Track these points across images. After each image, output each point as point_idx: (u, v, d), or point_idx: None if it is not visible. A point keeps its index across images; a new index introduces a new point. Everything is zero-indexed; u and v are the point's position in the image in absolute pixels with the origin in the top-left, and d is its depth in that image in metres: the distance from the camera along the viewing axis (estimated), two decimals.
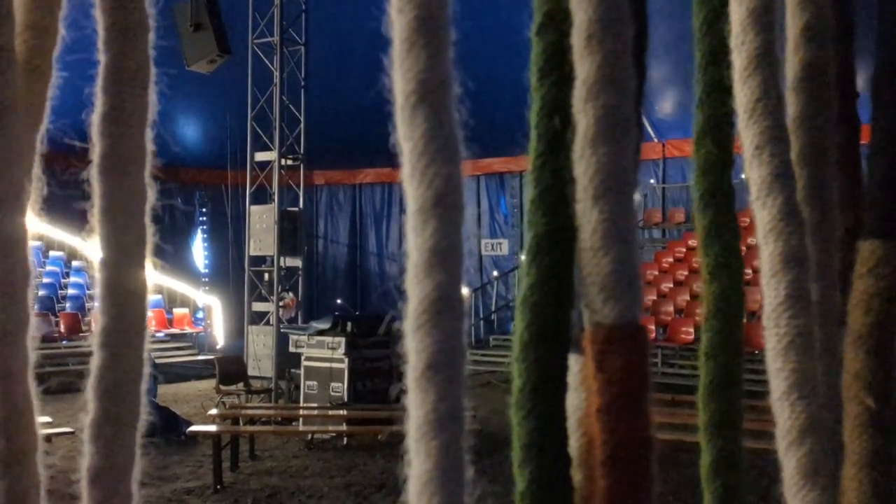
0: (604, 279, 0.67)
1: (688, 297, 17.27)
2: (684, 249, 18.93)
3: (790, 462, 0.83)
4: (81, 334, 17.83)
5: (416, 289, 0.62)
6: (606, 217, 0.66)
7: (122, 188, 0.75)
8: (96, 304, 0.76)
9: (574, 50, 0.67)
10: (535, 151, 0.69)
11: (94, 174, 0.75)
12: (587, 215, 0.67)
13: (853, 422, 0.79)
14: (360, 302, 24.17)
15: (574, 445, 0.70)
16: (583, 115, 0.66)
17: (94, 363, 0.76)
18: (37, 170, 0.78)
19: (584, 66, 0.66)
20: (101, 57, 0.75)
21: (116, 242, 0.74)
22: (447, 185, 0.62)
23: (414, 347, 0.62)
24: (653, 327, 16.47)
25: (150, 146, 0.76)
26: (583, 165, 0.66)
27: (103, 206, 0.74)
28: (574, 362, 0.71)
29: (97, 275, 0.74)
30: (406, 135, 0.62)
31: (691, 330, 16.01)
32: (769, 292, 0.83)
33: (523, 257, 0.70)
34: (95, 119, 0.75)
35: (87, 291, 19.83)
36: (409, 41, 0.61)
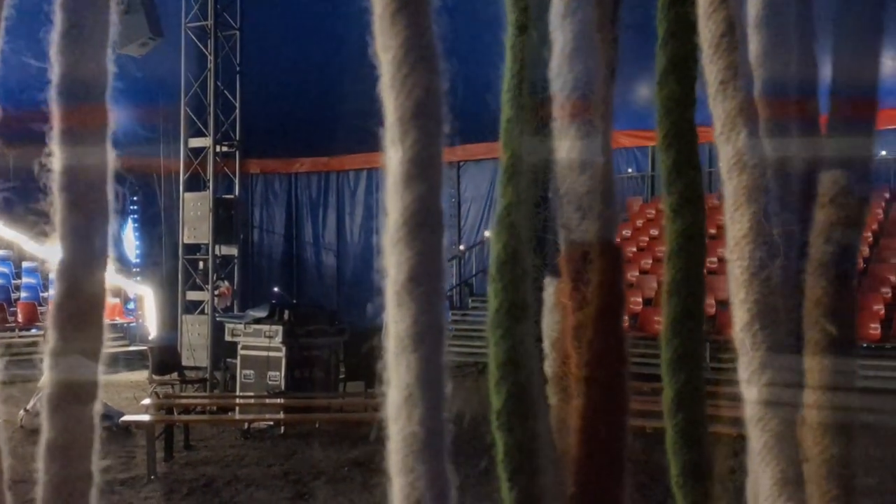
0: (580, 198, 0.67)
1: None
2: (618, 239, 19.19)
3: (752, 392, 0.84)
4: (7, 325, 17.29)
5: (395, 201, 0.61)
6: (584, 134, 0.66)
7: (83, 110, 0.72)
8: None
9: None
10: (511, 71, 0.69)
11: (53, 96, 0.72)
12: (564, 132, 0.67)
13: (814, 347, 0.81)
14: (297, 292, 23.93)
15: (549, 366, 0.70)
16: (560, 32, 0.66)
17: (53, 295, 0.74)
18: None
19: None
20: None
21: (78, 163, 0.71)
22: (427, 94, 0.61)
23: (394, 261, 0.61)
24: None
25: (111, 68, 0.74)
26: (559, 82, 0.66)
27: (63, 128, 0.71)
28: (549, 284, 0.71)
29: (55, 195, 0.71)
30: (385, 44, 0.61)
31: (626, 318, 16.26)
32: (732, 226, 0.85)
33: (498, 178, 0.69)
34: (55, 37, 0.72)
35: (13, 281, 19.24)
36: None
